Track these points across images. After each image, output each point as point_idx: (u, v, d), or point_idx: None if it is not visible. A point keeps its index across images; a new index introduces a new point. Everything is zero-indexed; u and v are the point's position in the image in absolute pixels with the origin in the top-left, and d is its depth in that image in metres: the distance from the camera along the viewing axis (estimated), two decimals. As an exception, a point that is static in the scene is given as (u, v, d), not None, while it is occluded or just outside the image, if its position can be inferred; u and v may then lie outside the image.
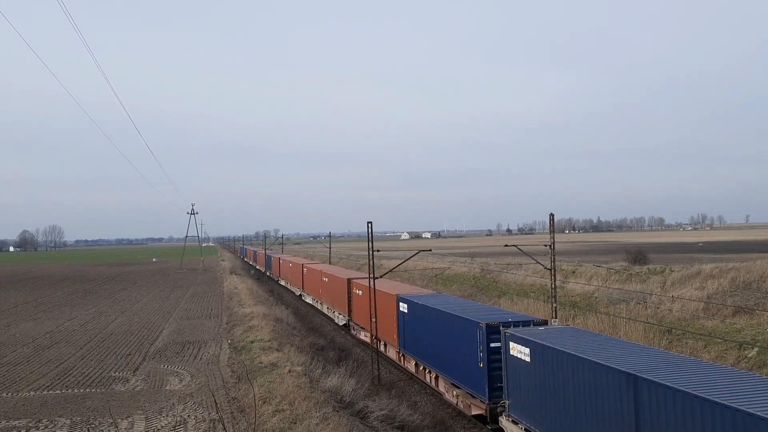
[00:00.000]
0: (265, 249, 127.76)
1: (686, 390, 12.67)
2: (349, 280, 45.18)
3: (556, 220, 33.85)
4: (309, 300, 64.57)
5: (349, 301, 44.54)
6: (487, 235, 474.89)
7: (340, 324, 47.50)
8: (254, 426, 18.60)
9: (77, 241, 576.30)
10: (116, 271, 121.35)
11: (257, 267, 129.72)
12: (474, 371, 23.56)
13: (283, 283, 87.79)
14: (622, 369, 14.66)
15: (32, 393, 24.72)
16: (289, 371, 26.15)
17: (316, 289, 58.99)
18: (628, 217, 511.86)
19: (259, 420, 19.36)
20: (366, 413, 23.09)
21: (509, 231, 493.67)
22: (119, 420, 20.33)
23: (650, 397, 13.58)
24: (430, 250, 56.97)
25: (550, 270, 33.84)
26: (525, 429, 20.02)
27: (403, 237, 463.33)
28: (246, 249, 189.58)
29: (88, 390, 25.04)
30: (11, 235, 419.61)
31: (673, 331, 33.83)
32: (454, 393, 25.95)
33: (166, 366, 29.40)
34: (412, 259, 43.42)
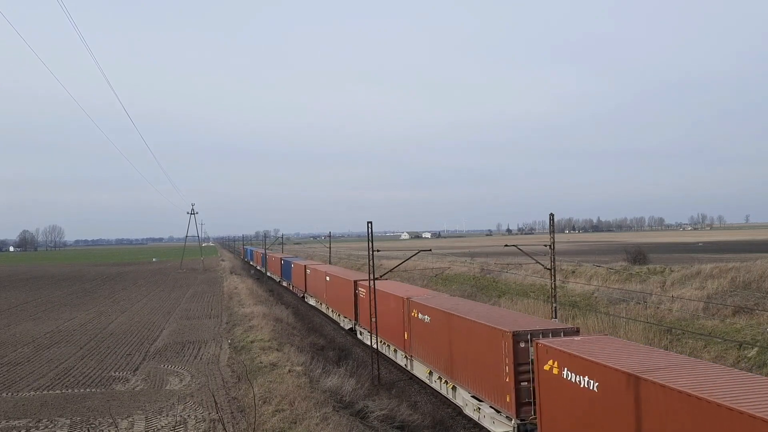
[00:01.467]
0: (265, 249, 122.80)
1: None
2: (514, 335, 20.97)
3: (556, 220, 33.86)
4: (373, 341, 34.78)
5: (519, 372, 20.91)
6: (487, 235, 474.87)
7: (494, 430, 22.49)
8: (254, 426, 18.60)
9: (77, 241, 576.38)
10: (116, 271, 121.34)
11: (268, 274, 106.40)
12: None
13: (313, 302, 63.06)
14: None
15: (32, 393, 24.72)
16: (289, 371, 26.16)
17: (393, 328, 33.80)
18: (628, 217, 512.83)
19: (259, 420, 19.36)
20: (366, 413, 23.10)
21: (509, 231, 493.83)
22: (119, 420, 20.33)
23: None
24: (430, 250, 56.92)
25: (550, 270, 33.86)
26: None
27: (403, 237, 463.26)
28: (252, 251, 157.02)
29: (88, 390, 25.05)
30: (11, 235, 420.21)
31: (673, 330, 33.84)
32: None
33: (166, 366, 29.40)
34: (412, 259, 43.47)
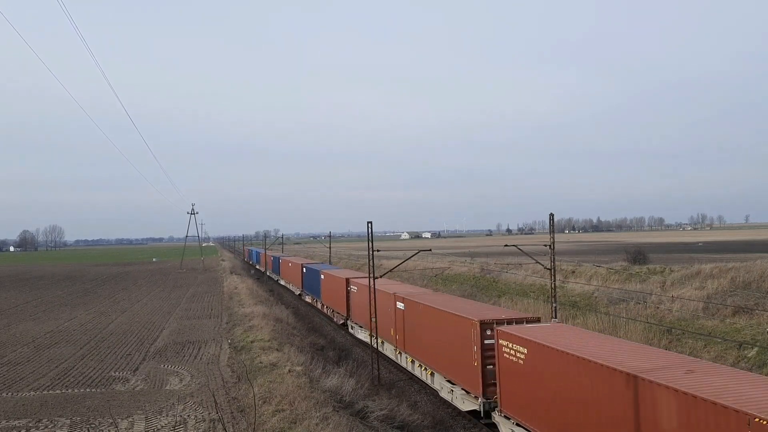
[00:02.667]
0: (262, 251, 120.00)
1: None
2: None
3: (556, 220, 33.86)
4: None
5: None
6: (487, 235, 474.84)
7: None
8: (254, 426, 18.60)
9: (77, 241, 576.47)
10: (116, 271, 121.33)
11: (282, 283, 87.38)
12: None
13: (363, 336, 41.17)
14: None
15: (32, 393, 24.72)
16: (289, 371, 26.16)
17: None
18: (628, 217, 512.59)
19: (259, 420, 19.36)
20: (366, 413, 23.10)
21: (509, 231, 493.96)
22: (119, 420, 20.33)
23: None
24: (430, 250, 56.89)
25: (550, 270, 33.86)
26: None
27: (403, 237, 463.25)
28: (257, 253, 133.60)
29: (88, 390, 25.05)
30: (11, 235, 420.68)
31: (673, 330, 33.85)
32: None
33: (166, 366, 29.41)
34: (412, 259, 43.45)
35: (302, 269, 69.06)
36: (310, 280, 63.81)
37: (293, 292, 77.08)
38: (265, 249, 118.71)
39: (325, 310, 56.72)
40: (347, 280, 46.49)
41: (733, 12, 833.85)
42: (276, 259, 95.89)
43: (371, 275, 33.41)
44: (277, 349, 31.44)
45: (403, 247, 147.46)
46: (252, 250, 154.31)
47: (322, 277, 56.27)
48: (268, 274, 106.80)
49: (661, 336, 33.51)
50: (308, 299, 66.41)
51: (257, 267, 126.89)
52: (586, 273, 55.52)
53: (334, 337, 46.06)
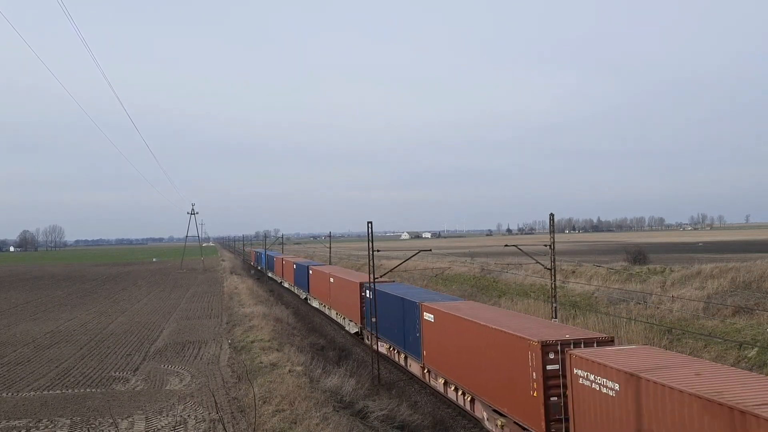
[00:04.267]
0: (276, 254, 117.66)
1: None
2: None
3: (556, 220, 33.86)
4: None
5: None
6: (487, 235, 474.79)
7: None
8: (254, 426, 18.60)
9: (77, 241, 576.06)
10: (116, 271, 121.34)
11: (315, 305, 61.52)
12: None
13: None
14: None
15: (32, 393, 24.73)
16: (289, 371, 26.16)
17: None
18: (628, 217, 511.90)
19: (259, 420, 19.36)
20: (366, 413, 23.10)
21: (509, 231, 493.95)
22: (119, 420, 20.33)
23: None
24: (430, 250, 56.89)
25: (550, 270, 33.85)
26: None
27: (403, 237, 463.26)
28: (266, 257, 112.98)
29: (88, 390, 25.05)
30: (11, 235, 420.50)
31: (673, 330, 33.84)
32: None
33: (166, 366, 29.41)
34: (412, 259, 43.43)
35: (361, 292, 41.75)
36: (388, 313, 35.29)
37: (341, 325, 49.92)
38: (265, 249, 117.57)
39: (447, 394, 27.68)
40: (531, 345, 19.36)
41: (733, 12, 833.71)
42: (302, 269, 67.84)
43: (371, 275, 33.40)
44: (277, 349, 31.44)
45: (403, 247, 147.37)
46: (260, 253, 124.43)
47: (430, 318, 28.46)
48: (286, 286, 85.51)
49: (662, 336, 33.50)
50: (383, 349, 36.80)
51: (270, 274, 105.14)
52: (586, 273, 55.53)
53: (334, 337, 46.06)
